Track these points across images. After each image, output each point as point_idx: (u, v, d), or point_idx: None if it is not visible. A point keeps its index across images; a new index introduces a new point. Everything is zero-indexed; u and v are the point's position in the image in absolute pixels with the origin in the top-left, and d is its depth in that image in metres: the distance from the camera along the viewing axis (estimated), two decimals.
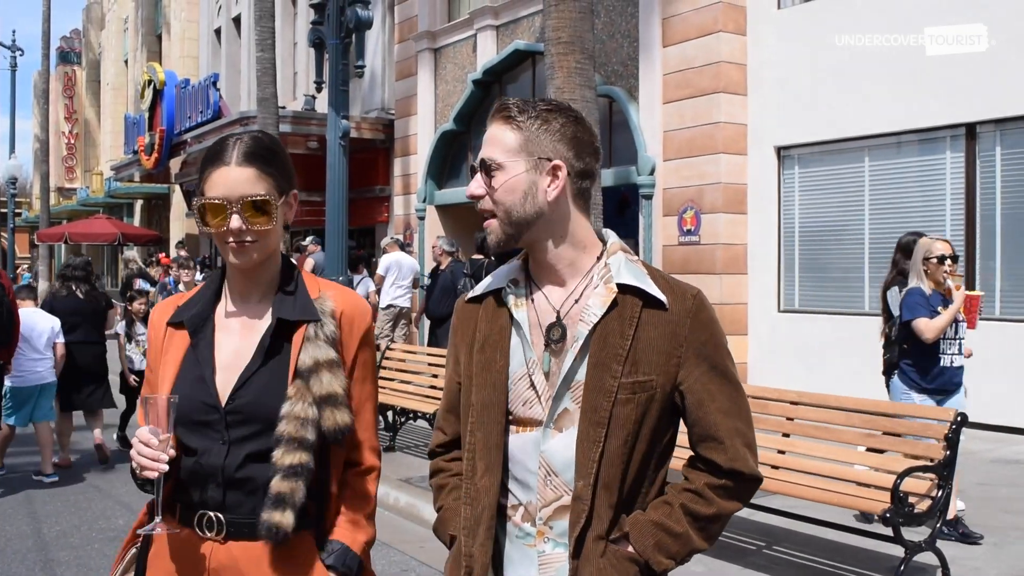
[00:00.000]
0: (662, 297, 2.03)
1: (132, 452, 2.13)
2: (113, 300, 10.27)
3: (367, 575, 2.29)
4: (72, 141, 45.09)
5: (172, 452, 2.10)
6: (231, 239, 2.16)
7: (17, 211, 36.36)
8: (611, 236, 2.15)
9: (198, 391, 2.19)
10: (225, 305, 2.31)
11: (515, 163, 2.03)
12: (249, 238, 2.17)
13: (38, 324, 8.60)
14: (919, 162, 10.78)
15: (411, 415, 8.64)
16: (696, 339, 2.03)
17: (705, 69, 12.14)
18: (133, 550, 2.31)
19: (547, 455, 2.02)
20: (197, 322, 2.27)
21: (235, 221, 2.14)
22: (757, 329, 12.22)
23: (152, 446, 2.07)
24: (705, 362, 2.03)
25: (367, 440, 2.31)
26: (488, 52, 16.17)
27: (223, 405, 2.17)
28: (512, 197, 2.03)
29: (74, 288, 9.28)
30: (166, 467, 2.08)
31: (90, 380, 9.21)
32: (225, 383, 2.20)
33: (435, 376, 9.34)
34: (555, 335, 2.05)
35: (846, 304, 11.41)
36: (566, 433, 2.01)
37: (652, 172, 12.77)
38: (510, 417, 2.07)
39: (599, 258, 2.10)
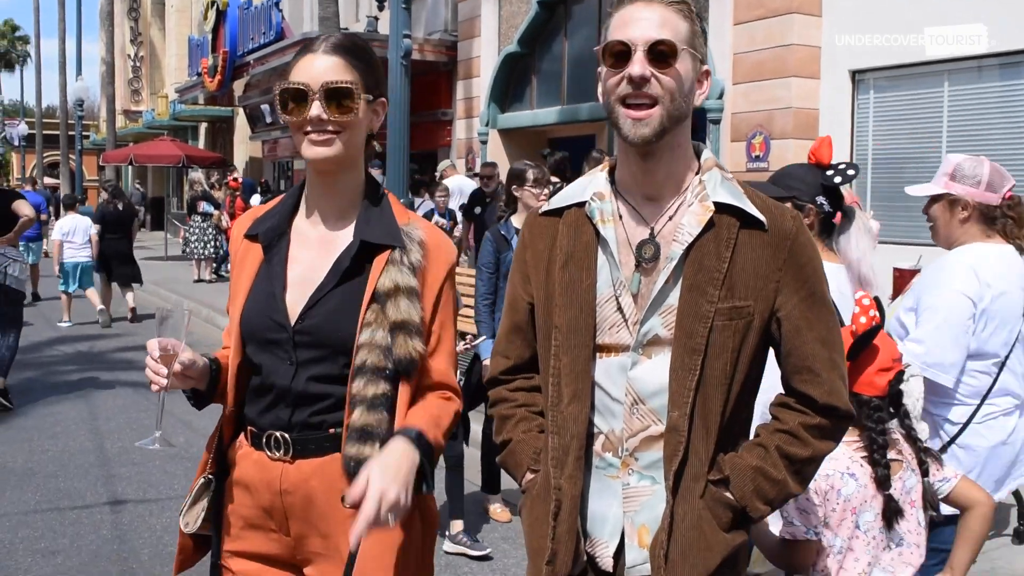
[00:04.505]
0: (761, 217, 1.85)
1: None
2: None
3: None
4: (137, 64, 45.31)
5: (178, 367, 2.00)
6: (309, 128, 2.05)
7: (85, 134, 36.80)
8: (705, 151, 1.96)
9: (268, 308, 2.10)
10: (303, 219, 2.19)
11: (687, 55, 1.84)
12: (330, 128, 2.04)
13: (78, 226, 13.22)
14: (1001, 87, 10.30)
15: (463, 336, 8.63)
16: (796, 262, 1.86)
17: None
18: (202, 479, 2.21)
19: (634, 382, 1.88)
20: (271, 236, 2.16)
21: (315, 108, 2.03)
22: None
23: (155, 358, 1.99)
24: (805, 287, 1.87)
25: (446, 378, 2.14)
26: None
27: (292, 325, 2.07)
28: (681, 89, 1.84)
29: (107, 202, 13.94)
30: (165, 381, 1.99)
31: (121, 263, 13.52)
32: (296, 302, 2.09)
33: None
34: (647, 253, 1.88)
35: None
36: (656, 360, 1.86)
37: (720, 96, 12.41)
38: (595, 341, 1.91)
39: (696, 174, 1.92)
